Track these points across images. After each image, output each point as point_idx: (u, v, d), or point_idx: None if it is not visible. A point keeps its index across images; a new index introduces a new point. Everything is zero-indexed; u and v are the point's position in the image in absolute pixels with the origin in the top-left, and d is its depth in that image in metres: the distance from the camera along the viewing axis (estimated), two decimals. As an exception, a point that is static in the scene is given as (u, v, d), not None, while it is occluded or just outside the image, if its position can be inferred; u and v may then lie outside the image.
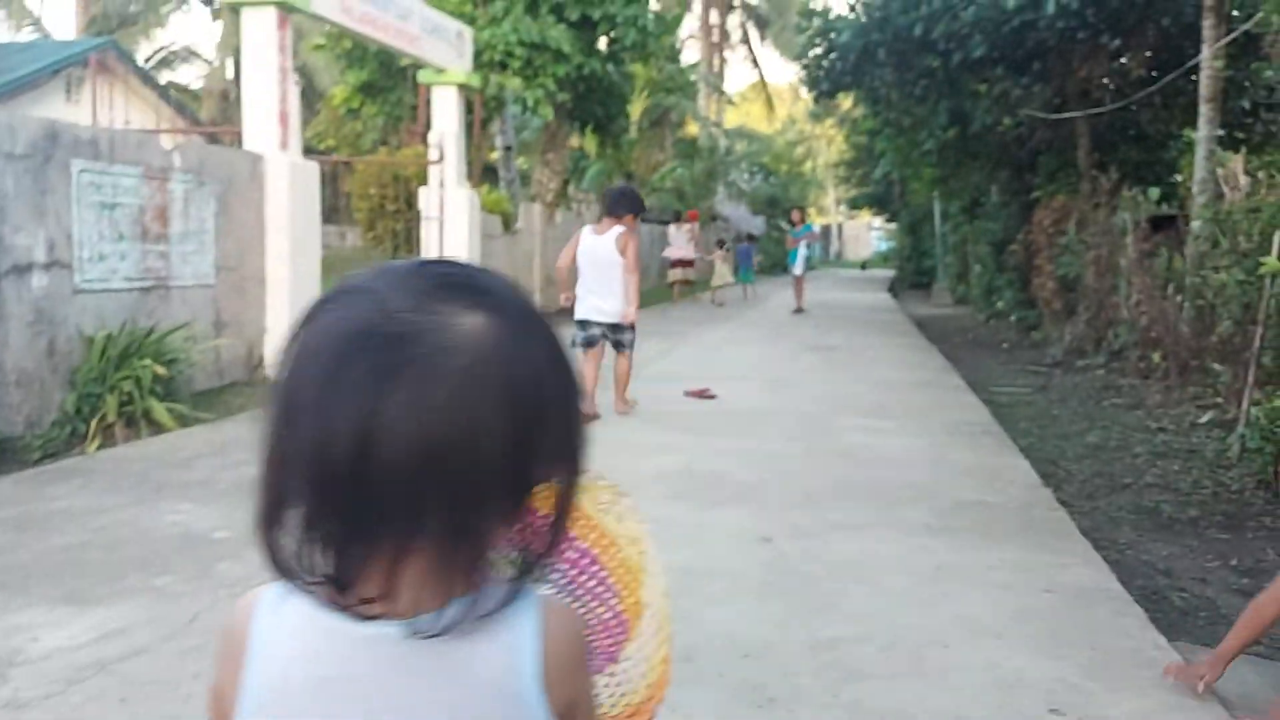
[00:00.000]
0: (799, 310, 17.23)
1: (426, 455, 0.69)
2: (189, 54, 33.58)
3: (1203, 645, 3.21)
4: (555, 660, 0.77)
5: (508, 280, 0.79)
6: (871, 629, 3.14)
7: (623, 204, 6.84)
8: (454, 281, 0.75)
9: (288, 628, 0.78)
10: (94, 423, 5.98)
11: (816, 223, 65.64)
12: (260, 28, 8.38)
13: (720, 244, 21.32)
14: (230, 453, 5.43)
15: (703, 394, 7.74)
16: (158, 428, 6.13)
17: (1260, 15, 6.80)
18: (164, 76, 31.58)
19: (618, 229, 6.75)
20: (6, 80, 18.23)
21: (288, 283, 8.41)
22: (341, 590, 0.74)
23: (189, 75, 34.25)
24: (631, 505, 1.11)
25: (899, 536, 4.11)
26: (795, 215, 19.02)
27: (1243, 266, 7.14)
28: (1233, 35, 8.22)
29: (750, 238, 24.96)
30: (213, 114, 28.96)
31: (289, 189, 8.41)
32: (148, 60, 31.77)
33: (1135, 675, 2.88)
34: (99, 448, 5.72)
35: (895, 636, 3.09)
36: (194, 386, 7.47)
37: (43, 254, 6.03)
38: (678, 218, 21.87)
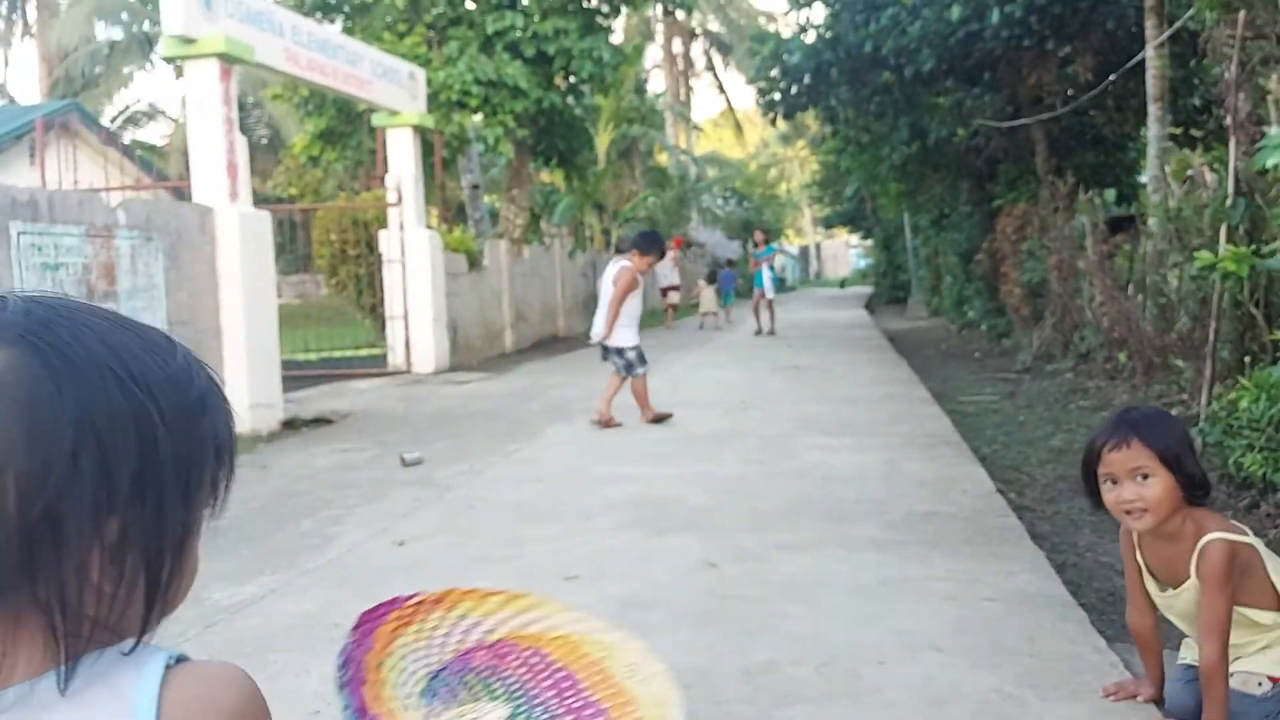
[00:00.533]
0: (767, 332, 17.15)
1: None
2: (154, 112, 33.66)
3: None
4: None
5: (40, 309, 0.70)
6: (808, 650, 3.07)
7: (628, 241, 8.20)
8: None
9: None
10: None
11: (795, 243, 66.08)
12: (204, 80, 8.36)
13: (711, 279, 21.93)
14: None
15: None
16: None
17: (1192, 11, 6.84)
18: (130, 135, 31.64)
19: (622, 262, 7.89)
20: (-31, 147, 18.20)
21: (244, 334, 8.34)
22: None
23: (155, 133, 34.24)
24: (663, 671, 1.10)
25: (845, 554, 4.05)
26: (758, 237, 19.02)
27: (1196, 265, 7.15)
28: (1168, 33, 8.28)
29: (730, 263, 25.33)
30: (179, 169, 28.94)
31: (240, 240, 8.36)
32: (113, 120, 31.84)
33: (1072, 681, 2.81)
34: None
35: (832, 656, 3.02)
36: (151, 443, 7.38)
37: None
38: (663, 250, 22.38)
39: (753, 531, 4.42)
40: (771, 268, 18.01)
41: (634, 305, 7.99)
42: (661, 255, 8.01)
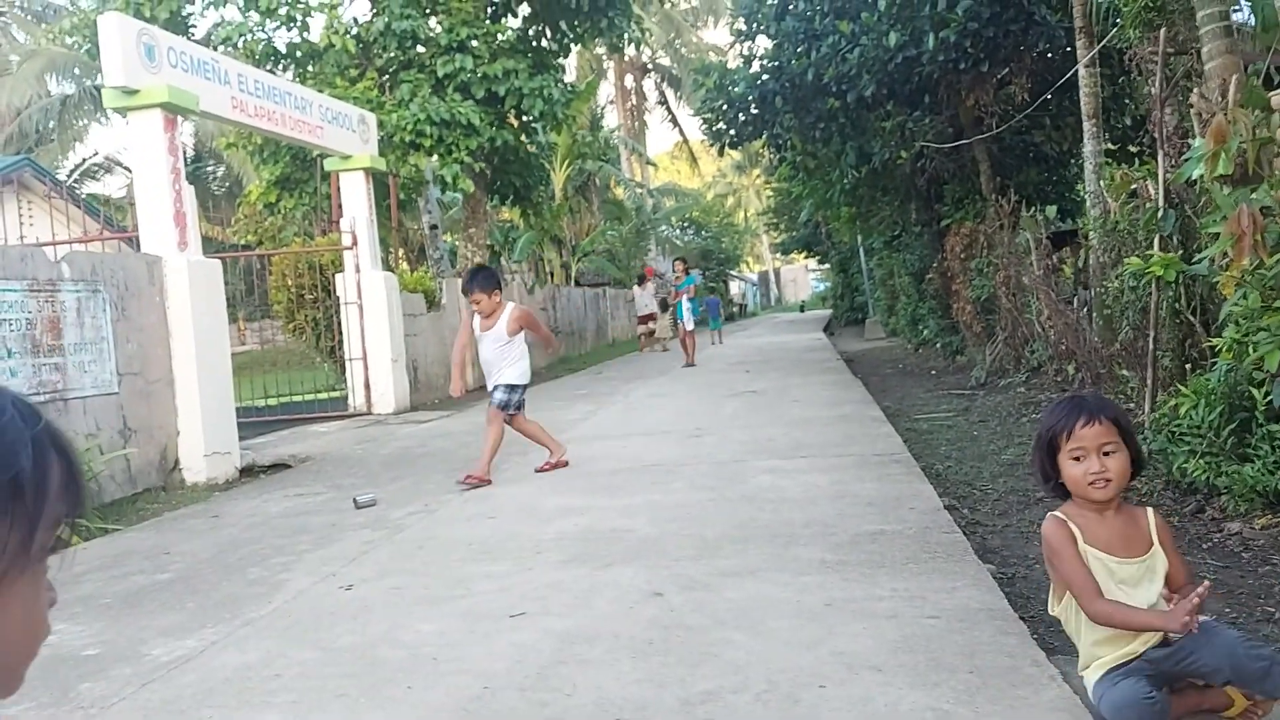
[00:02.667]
0: (685, 365, 16.85)
1: None
2: (110, 164, 33.47)
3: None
4: None
5: None
6: (749, 678, 3.07)
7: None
8: None
9: None
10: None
11: (754, 270, 66.58)
12: (148, 130, 8.35)
13: (664, 306, 22.76)
14: (124, 563, 5.27)
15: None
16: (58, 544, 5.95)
17: (1115, 29, 7.04)
18: (88, 188, 31.42)
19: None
20: (-82, 206, 17.94)
21: (196, 383, 8.28)
22: None
23: (112, 185, 34.02)
24: None
25: (791, 577, 4.06)
26: (678, 267, 18.64)
27: (1131, 273, 7.30)
28: (1095, 50, 8.49)
29: (711, 290, 25.90)
30: (137, 221, 28.71)
31: (190, 288, 8.32)
32: (70, 174, 31.61)
33: (1009, 694, 2.83)
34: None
35: (771, 682, 3.02)
36: (103, 497, 7.29)
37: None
38: (640, 280, 24.12)
39: (699, 559, 4.43)
40: (692, 299, 17.83)
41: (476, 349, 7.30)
42: (477, 292, 6.97)
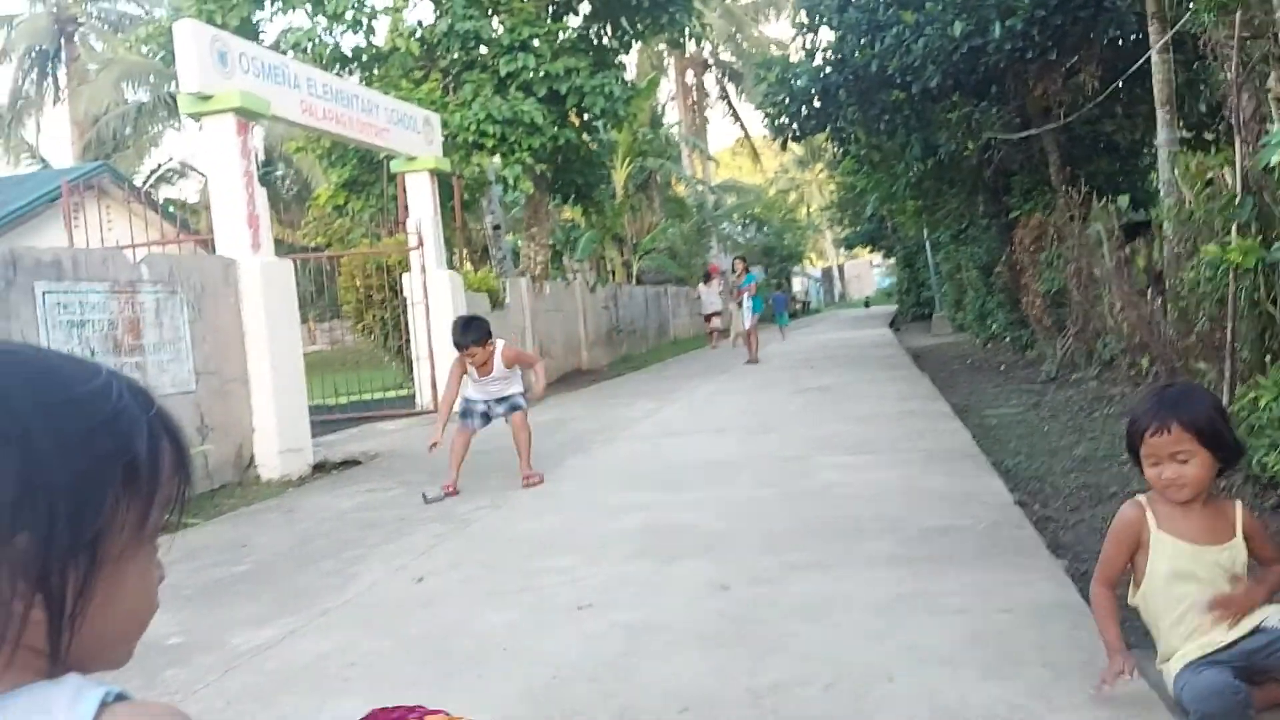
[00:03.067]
0: (749, 361, 16.90)
1: None
2: (185, 169, 34.37)
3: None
4: None
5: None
6: (817, 669, 3.07)
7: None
8: None
9: None
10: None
11: (818, 266, 65.99)
12: (221, 135, 8.55)
13: (739, 303, 22.63)
14: (204, 556, 5.42)
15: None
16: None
17: (1188, 14, 6.85)
18: (163, 193, 32.31)
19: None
20: (5, 212, 18.65)
21: (270, 381, 8.47)
22: None
23: (187, 189, 34.96)
24: None
25: (858, 571, 4.05)
26: (738, 266, 18.51)
27: (1208, 261, 7.11)
28: (1165, 37, 8.28)
29: (777, 286, 26.12)
30: (211, 223, 29.48)
31: (263, 289, 8.51)
32: (146, 179, 32.53)
33: (1083, 689, 2.79)
34: None
35: (839, 674, 3.02)
36: (181, 494, 7.50)
37: None
38: (706, 278, 25.36)
39: (766, 553, 4.43)
40: (753, 297, 17.76)
41: (471, 390, 7.14)
42: (473, 348, 6.80)
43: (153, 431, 0.80)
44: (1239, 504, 2.66)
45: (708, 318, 24.47)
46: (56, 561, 0.72)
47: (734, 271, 19.25)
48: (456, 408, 7.05)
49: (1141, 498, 2.72)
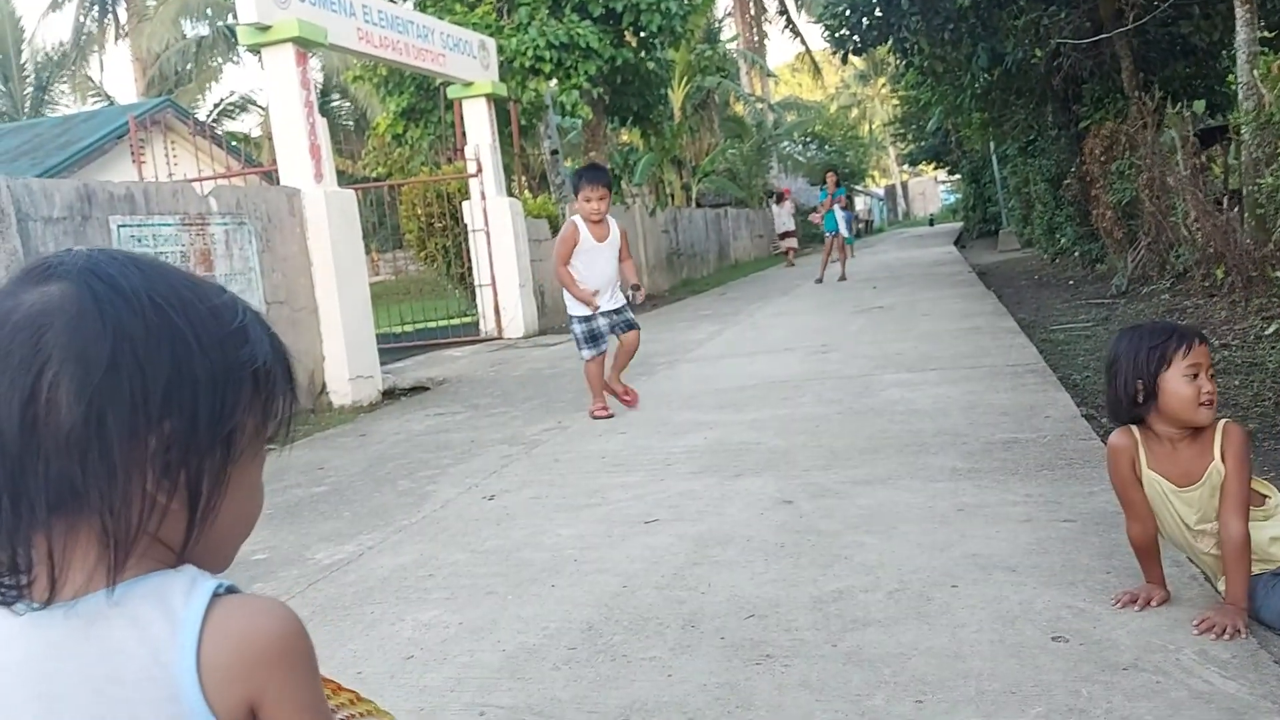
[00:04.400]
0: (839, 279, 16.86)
1: (32, 427, 0.75)
2: (245, 103, 34.69)
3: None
4: (217, 657, 0.77)
5: (100, 253, 0.83)
6: (880, 578, 3.13)
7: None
8: (28, 265, 0.82)
9: None
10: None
11: (881, 184, 64.74)
12: (281, 66, 8.62)
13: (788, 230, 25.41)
14: (284, 478, 5.63)
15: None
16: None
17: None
18: (226, 127, 32.68)
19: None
20: (76, 149, 19.07)
21: (338, 310, 8.64)
22: (13, 582, 0.78)
23: (249, 123, 35.30)
24: None
25: (922, 484, 4.07)
26: (830, 179, 18.44)
27: (1289, 167, 6.87)
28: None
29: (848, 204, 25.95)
30: (272, 156, 29.82)
31: (328, 220, 8.64)
32: (208, 114, 32.92)
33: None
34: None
35: (903, 582, 3.07)
36: (258, 420, 7.75)
37: None
38: (779, 199, 26.21)
39: (829, 469, 4.47)
40: (844, 210, 17.60)
41: (581, 266, 6.36)
42: (600, 188, 6.21)
43: (273, 347, 0.88)
44: (1223, 425, 2.58)
45: (781, 236, 25.17)
46: (196, 453, 0.80)
47: (826, 185, 18.98)
48: (581, 332, 6.37)
49: (1132, 427, 2.67)
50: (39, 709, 0.77)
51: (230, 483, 0.83)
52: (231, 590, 0.81)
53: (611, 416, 6.32)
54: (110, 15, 35.73)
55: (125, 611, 0.77)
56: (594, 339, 6.38)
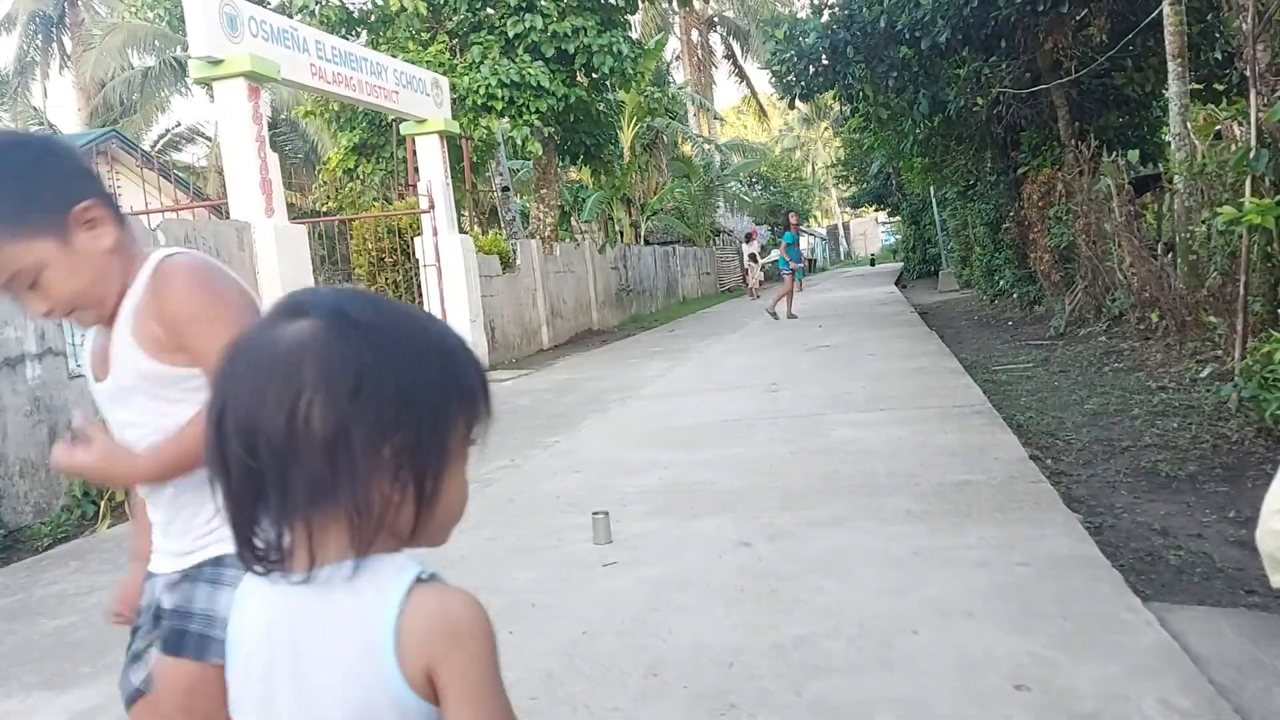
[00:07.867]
0: (773, 313, 17.25)
1: (294, 437, 0.89)
2: (193, 134, 34.22)
3: (1181, 604, 3.19)
4: (410, 630, 0.92)
5: (341, 293, 0.98)
6: (840, 624, 3.15)
7: None
8: (282, 302, 0.97)
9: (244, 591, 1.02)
10: (103, 503, 6.11)
11: (823, 224, 65.74)
12: (233, 100, 8.56)
13: (753, 258, 27.52)
14: (230, 519, 5.51)
15: None
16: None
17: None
18: (172, 158, 32.20)
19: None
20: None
21: (285, 346, 8.52)
22: (276, 558, 0.94)
23: (195, 155, 34.81)
24: None
25: (877, 527, 4.12)
26: (792, 219, 18.82)
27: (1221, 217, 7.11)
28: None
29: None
30: (218, 189, 29.43)
31: (277, 253, 8.56)
32: (154, 145, 32.42)
33: (1105, 641, 2.86)
34: (110, 526, 5.82)
35: (863, 628, 3.10)
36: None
37: (34, 344, 6.18)
38: (748, 238, 28.32)
39: (785, 510, 4.50)
40: (790, 250, 17.95)
41: None
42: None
43: (475, 366, 1.02)
44: None
45: (746, 272, 28.29)
46: (421, 459, 0.94)
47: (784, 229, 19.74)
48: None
49: None
50: (289, 655, 0.96)
51: (446, 479, 0.97)
52: (434, 578, 0.95)
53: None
54: (55, 43, 35.16)
55: (352, 586, 0.94)
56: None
